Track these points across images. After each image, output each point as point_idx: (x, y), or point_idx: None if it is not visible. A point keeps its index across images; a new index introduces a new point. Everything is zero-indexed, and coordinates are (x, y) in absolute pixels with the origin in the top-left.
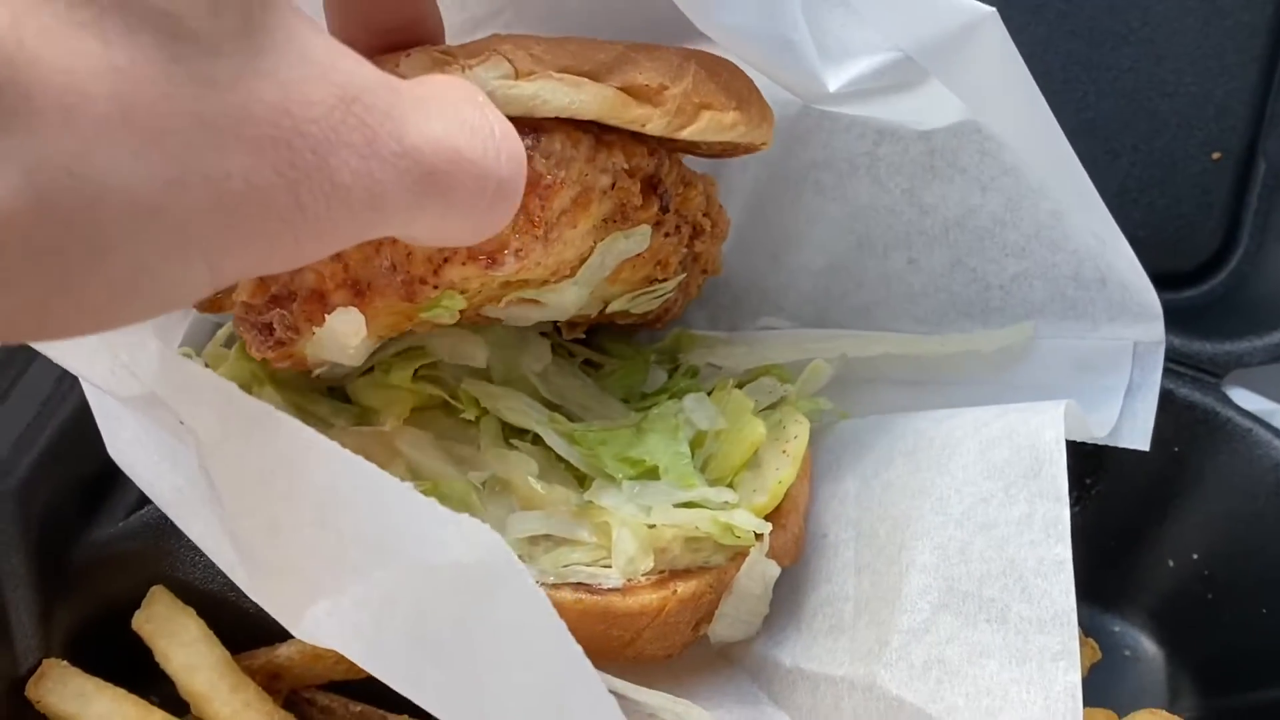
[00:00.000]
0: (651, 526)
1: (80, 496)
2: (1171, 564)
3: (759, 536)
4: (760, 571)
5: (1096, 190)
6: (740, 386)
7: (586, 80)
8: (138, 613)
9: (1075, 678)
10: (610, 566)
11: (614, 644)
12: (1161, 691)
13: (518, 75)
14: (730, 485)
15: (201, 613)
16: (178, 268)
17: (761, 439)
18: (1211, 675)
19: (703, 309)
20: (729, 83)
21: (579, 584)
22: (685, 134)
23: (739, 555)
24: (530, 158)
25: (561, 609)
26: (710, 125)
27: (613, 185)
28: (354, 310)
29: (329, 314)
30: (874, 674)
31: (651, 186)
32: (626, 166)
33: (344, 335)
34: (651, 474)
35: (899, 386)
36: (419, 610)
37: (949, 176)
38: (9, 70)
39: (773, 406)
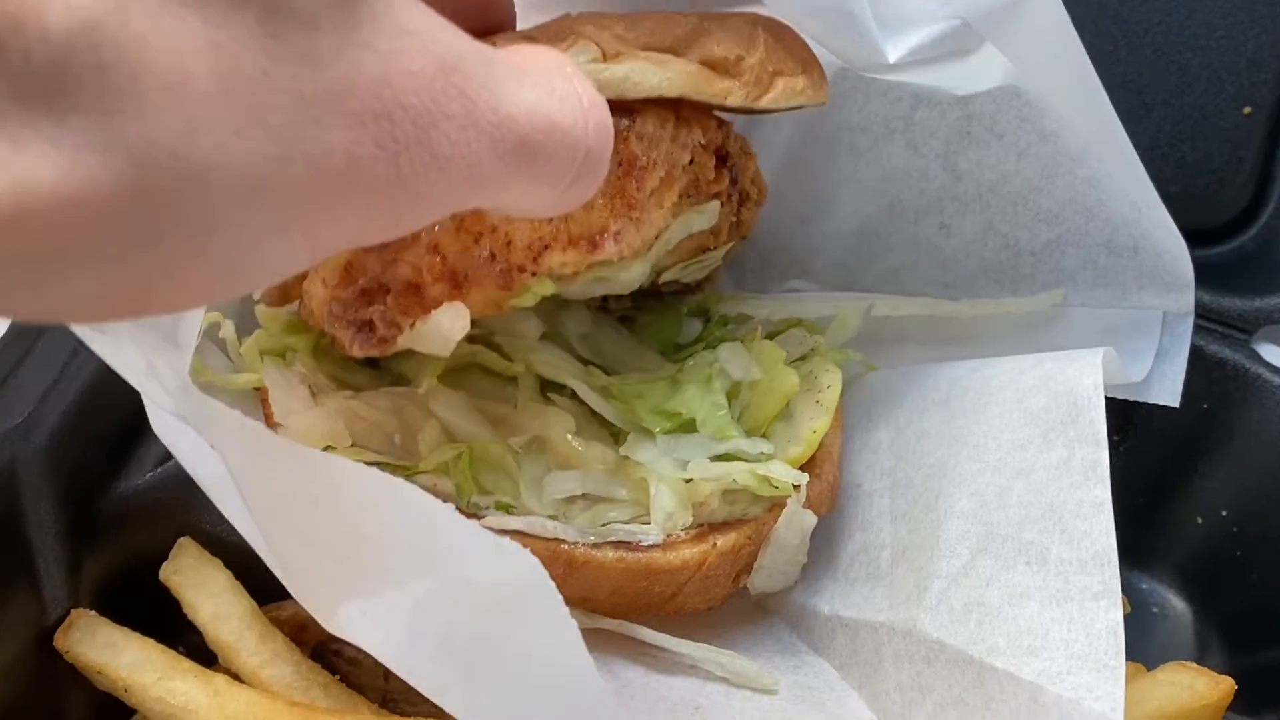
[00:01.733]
0: (688, 481)
1: (109, 448)
2: (1200, 521)
3: (796, 488)
4: (798, 522)
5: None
6: (770, 339)
7: (670, 57)
8: (166, 563)
9: (1117, 615)
10: (648, 523)
11: (656, 599)
12: (1190, 648)
13: (605, 58)
14: (764, 436)
15: (229, 564)
16: (279, 244)
17: (795, 389)
18: (1240, 632)
19: (729, 271)
20: (792, 46)
21: (619, 542)
22: (762, 103)
23: (776, 506)
24: (626, 139)
25: (603, 568)
26: (784, 92)
27: (690, 161)
28: (460, 305)
29: (432, 309)
30: (914, 618)
31: (721, 159)
32: (703, 141)
33: (450, 331)
34: (688, 426)
35: (926, 347)
36: (452, 622)
37: (985, 142)
38: (114, 52)
39: (803, 358)
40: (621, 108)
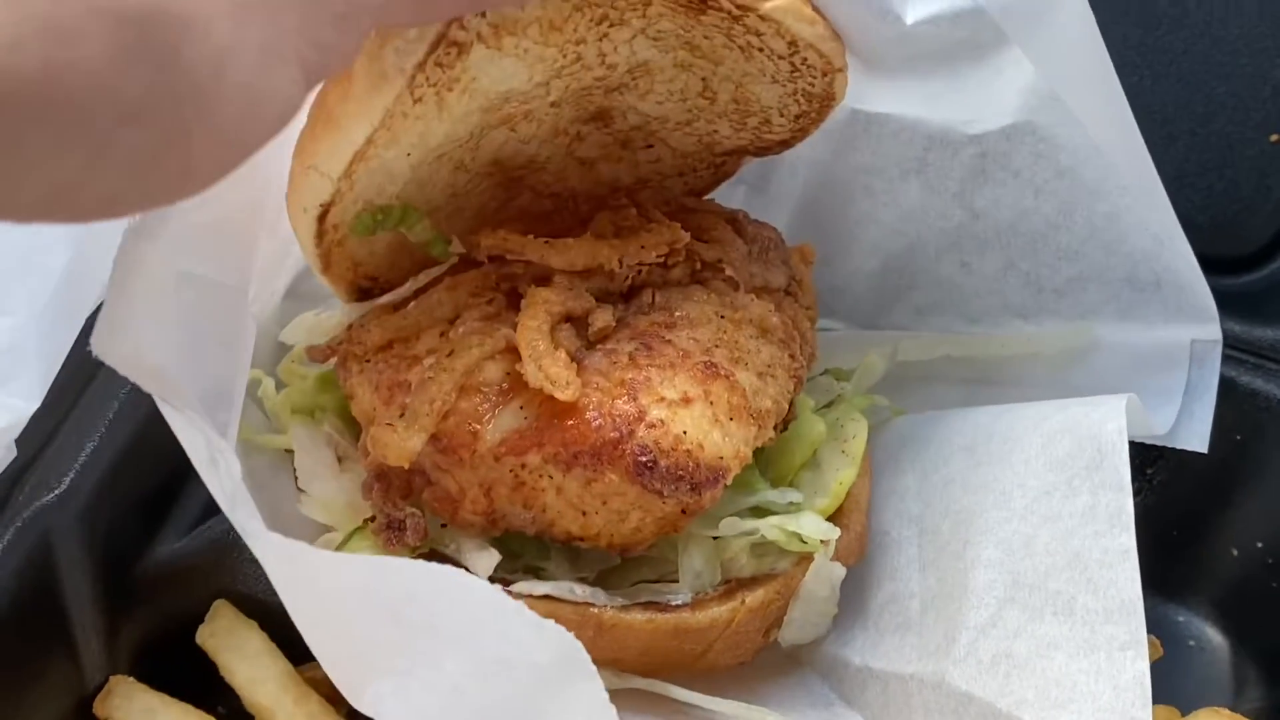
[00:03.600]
0: (716, 539)
1: (143, 514)
2: (1235, 553)
3: (824, 543)
4: (826, 574)
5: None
6: None
7: None
8: (201, 627)
9: (1144, 666)
10: (676, 580)
11: (687, 657)
12: (1227, 682)
13: None
14: (791, 484)
15: (264, 625)
16: (282, 71)
17: (822, 438)
18: (1277, 665)
19: None
20: None
21: (648, 603)
22: (767, 6)
23: (804, 559)
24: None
25: (633, 629)
26: (790, 6)
27: None
28: (493, 552)
29: (463, 526)
30: (943, 670)
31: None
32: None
33: (479, 569)
34: None
35: (954, 385)
36: (488, 703)
37: (1001, 180)
38: None
39: (829, 405)
40: (710, 474)
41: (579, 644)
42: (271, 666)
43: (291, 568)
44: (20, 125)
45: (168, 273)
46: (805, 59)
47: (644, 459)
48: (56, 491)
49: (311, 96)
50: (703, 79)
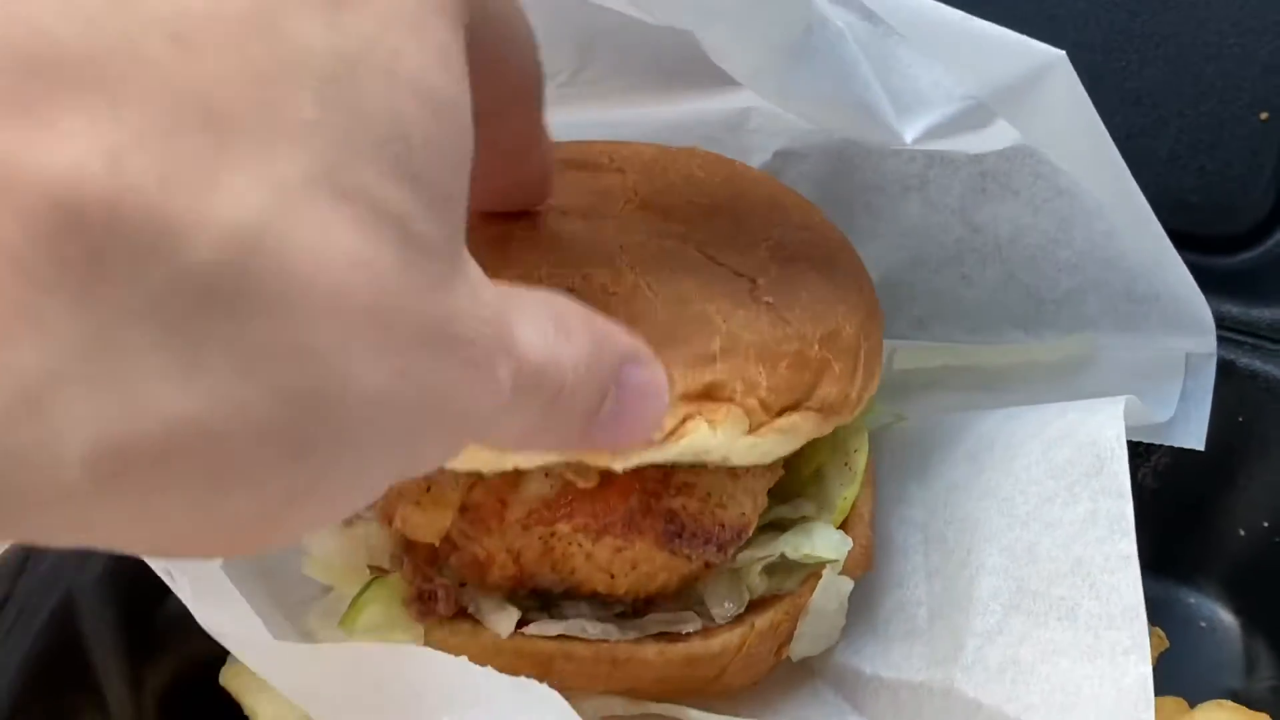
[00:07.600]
0: (734, 569)
1: None
2: (1243, 533)
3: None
4: (835, 590)
5: (1144, 161)
6: None
7: (797, 417)
8: (225, 668)
9: (1146, 669)
10: (695, 609)
11: (700, 682)
12: (1239, 662)
13: (750, 429)
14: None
15: None
16: (389, 459)
17: (825, 451)
18: None
19: None
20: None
21: (660, 634)
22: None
23: (812, 576)
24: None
25: (646, 662)
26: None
27: None
28: (513, 611)
29: (491, 589)
30: (951, 678)
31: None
32: None
33: (500, 629)
34: None
35: (956, 393)
36: None
37: (1001, 197)
38: (290, 256)
39: None
40: (734, 532)
41: (555, 693)
42: (296, 706)
43: (265, 660)
44: None
45: None
46: None
47: (672, 526)
48: (76, 550)
49: None
50: None
